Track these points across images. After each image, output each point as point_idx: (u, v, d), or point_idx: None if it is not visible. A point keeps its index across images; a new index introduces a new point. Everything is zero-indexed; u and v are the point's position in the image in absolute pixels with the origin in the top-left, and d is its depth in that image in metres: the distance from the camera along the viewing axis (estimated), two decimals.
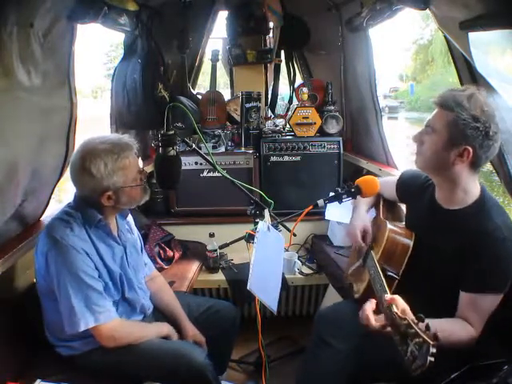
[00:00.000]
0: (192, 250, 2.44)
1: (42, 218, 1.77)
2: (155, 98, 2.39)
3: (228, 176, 1.59)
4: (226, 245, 1.69)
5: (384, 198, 1.67)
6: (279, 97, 3.24)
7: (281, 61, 3.04)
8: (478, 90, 1.21)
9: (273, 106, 3.09)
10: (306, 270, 2.32)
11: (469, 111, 1.16)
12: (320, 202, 1.44)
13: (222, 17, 2.88)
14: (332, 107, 2.64)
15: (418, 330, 0.86)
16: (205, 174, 2.49)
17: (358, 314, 1.14)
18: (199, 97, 2.78)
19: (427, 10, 1.50)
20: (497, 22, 1.17)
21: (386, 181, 1.68)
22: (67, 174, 1.52)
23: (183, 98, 2.55)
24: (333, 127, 2.59)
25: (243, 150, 2.57)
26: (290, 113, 2.91)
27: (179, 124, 2.41)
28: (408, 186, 1.54)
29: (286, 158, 2.53)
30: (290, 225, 1.53)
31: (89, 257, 1.37)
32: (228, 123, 2.77)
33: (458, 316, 1.24)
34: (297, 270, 2.30)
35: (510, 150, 1.44)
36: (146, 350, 1.42)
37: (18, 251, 1.49)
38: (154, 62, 2.44)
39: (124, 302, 1.51)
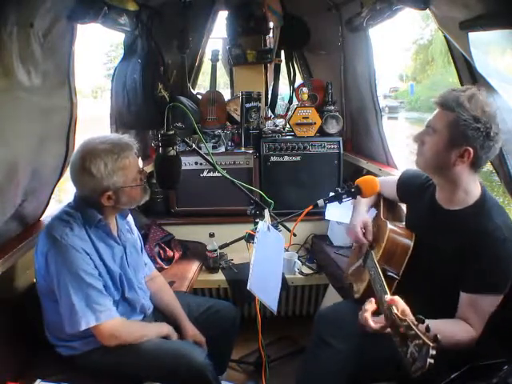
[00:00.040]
0: (192, 250, 2.44)
1: (41, 218, 1.77)
2: (155, 98, 2.39)
3: (228, 176, 1.59)
4: (226, 245, 1.69)
5: (384, 197, 1.67)
6: (279, 97, 3.24)
7: (281, 61, 3.04)
8: (479, 90, 1.21)
9: (273, 106, 3.09)
10: (306, 270, 2.32)
11: (470, 112, 1.16)
12: (320, 202, 1.44)
13: (222, 17, 2.88)
14: (332, 107, 2.64)
15: (418, 332, 0.86)
16: (205, 173, 2.49)
17: (358, 314, 1.14)
18: (199, 97, 2.78)
19: (427, 10, 1.50)
20: (497, 21, 1.17)
21: (387, 180, 1.67)
22: (67, 173, 1.52)
23: (183, 98, 2.55)
24: (333, 127, 2.59)
25: (243, 149, 2.57)
26: (290, 113, 2.91)
27: (179, 124, 2.41)
28: (408, 186, 1.54)
29: (286, 158, 2.53)
30: (290, 225, 1.53)
31: (88, 256, 1.37)
32: (228, 123, 2.77)
33: (458, 317, 1.24)
34: (297, 269, 2.30)
35: (510, 149, 1.44)
36: (146, 349, 1.42)
37: (18, 251, 1.49)
38: (154, 62, 2.44)
39: (124, 302, 1.51)
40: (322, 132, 2.58)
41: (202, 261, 2.35)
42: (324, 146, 2.53)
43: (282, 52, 3.04)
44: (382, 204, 1.65)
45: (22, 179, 1.51)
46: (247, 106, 2.54)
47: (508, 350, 1.23)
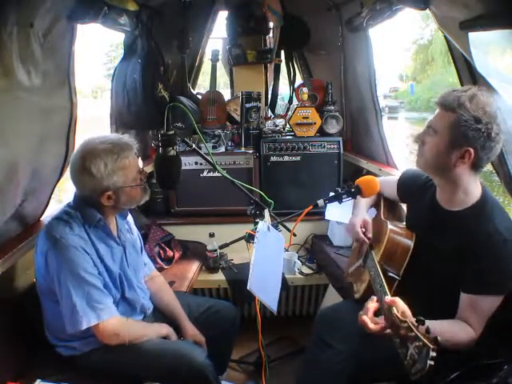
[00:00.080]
0: (192, 250, 2.44)
1: (41, 218, 1.77)
2: (155, 98, 2.39)
3: (228, 176, 1.59)
4: (226, 245, 1.69)
5: (385, 197, 1.67)
6: (279, 97, 3.24)
7: (281, 61, 3.04)
8: (480, 90, 1.20)
9: (273, 106, 3.09)
10: (306, 270, 2.32)
11: (471, 112, 1.15)
12: (320, 202, 1.44)
13: (222, 17, 2.88)
14: (332, 107, 2.64)
15: (418, 334, 0.86)
16: (205, 173, 2.49)
17: (359, 314, 1.14)
18: (199, 97, 2.78)
19: (427, 10, 1.50)
20: (497, 21, 1.17)
21: (387, 180, 1.67)
22: (67, 173, 1.52)
23: (183, 98, 2.55)
24: (333, 127, 2.59)
25: (243, 149, 2.57)
26: (290, 113, 2.91)
27: (179, 124, 2.41)
28: (409, 186, 1.53)
29: (286, 158, 2.53)
30: (290, 225, 1.53)
31: (88, 255, 1.37)
32: (228, 123, 2.77)
33: (458, 317, 1.24)
34: (297, 269, 2.30)
35: (510, 150, 1.43)
36: (146, 350, 1.42)
37: (18, 251, 1.49)
38: (154, 62, 2.44)
39: (124, 302, 1.51)
40: (322, 132, 2.58)
41: (202, 261, 2.35)
42: (324, 146, 2.53)
43: (282, 52, 3.04)
44: (382, 204, 1.65)
45: (22, 179, 1.51)
46: (247, 106, 2.54)
47: (508, 350, 1.23)
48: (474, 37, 1.29)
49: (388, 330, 1.00)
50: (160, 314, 1.68)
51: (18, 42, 1.32)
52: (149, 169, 1.89)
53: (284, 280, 2.19)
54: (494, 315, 1.21)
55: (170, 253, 2.31)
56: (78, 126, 1.78)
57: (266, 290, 1.28)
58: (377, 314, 1.12)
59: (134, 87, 2.36)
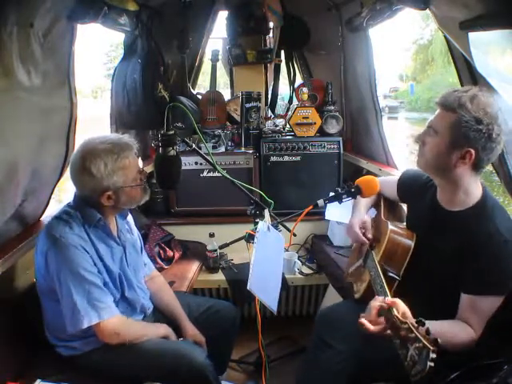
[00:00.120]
0: (192, 250, 2.44)
1: (41, 218, 1.77)
2: (155, 98, 2.39)
3: (228, 176, 1.59)
4: (226, 245, 1.69)
5: (385, 197, 1.67)
6: (279, 97, 3.24)
7: (281, 61, 3.04)
8: (481, 90, 1.20)
9: (273, 106, 3.09)
10: (306, 270, 2.32)
11: (471, 113, 1.14)
12: (320, 202, 1.44)
13: (222, 17, 2.88)
14: (332, 107, 2.64)
15: (418, 335, 0.86)
16: (205, 173, 2.49)
17: (361, 315, 1.13)
18: (199, 97, 2.78)
19: (427, 10, 1.50)
20: (497, 21, 1.17)
21: (387, 180, 1.67)
22: (67, 173, 1.52)
23: (183, 98, 2.55)
24: (333, 127, 2.59)
25: (243, 150, 2.57)
26: (290, 113, 2.91)
27: (179, 124, 2.41)
28: (409, 186, 1.53)
29: (286, 158, 2.53)
30: (290, 225, 1.53)
31: (88, 255, 1.37)
32: (228, 123, 2.77)
33: (459, 318, 1.23)
34: (297, 269, 2.30)
35: (510, 150, 1.43)
36: (146, 349, 1.42)
37: (18, 251, 1.49)
38: (154, 62, 2.44)
39: (124, 302, 1.51)
40: (322, 132, 2.58)
41: (202, 261, 2.35)
42: (324, 146, 2.53)
43: (282, 52, 3.04)
44: (382, 204, 1.65)
45: (22, 179, 1.51)
46: (247, 106, 2.54)
47: (508, 350, 1.23)
48: (474, 37, 1.29)
49: (388, 331, 1.00)
50: (160, 313, 1.68)
51: (18, 42, 1.32)
52: (149, 169, 1.89)
53: (284, 280, 2.19)
54: (494, 315, 1.21)
55: (169, 253, 2.31)
56: (78, 126, 1.78)
57: (266, 290, 1.28)
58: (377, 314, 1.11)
59: (134, 87, 2.36)
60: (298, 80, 3.17)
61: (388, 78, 27.21)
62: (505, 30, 1.19)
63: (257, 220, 1.51)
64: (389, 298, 1.07)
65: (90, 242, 1.40)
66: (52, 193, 1.79)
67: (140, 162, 1.53)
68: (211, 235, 2.27)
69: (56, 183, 1.79)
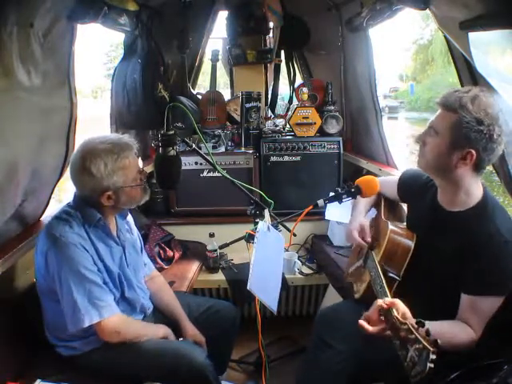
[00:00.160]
0: (192, 250, 2.44)
1: (41, 218, 1.77)
2: (155, 98, 2.39)
3: (228, 176, 1.59)
4: (226, 245, 1.69)
5: (385, 197, 1.67)
6: (279, 97, 3.24)
7: (281, 61, 3.04)
8: (482, 91, 1.19)
9: (273, 105, 3.09)
10: (306, 270, 2.32)
11: (473, 114, 1.14)
12: (320, 202, 1.44)
13: (222, 17, 2.88)
14: (332, 107, 2.64)
15: (418, 336, 0.86)
16: (205, 173, 2.49)
17: (359, 314, 1.13)
18: (199, 97, 2.78)
19: (427, 10, 1.50)
20: (497, 21, 1.17)
21: (387, 180, 1.67)
22: (67, 173, 1.52)
23: (183, 98, 2.55)
24: (333, 127, 2.59)
25: (243, 150, 2.57)
26: (290, 113, 2.91)
27: (179, 124, 2.41)
28: (409, 186, 1.53)
29: (286, 158, 2.53)
30: (290, 225, 1.53)
31: (88, 253, 1.37)
32: (228, 123, 2.77)
33: (459, 318, 1.23)
34: (297, 269, 2.30)
35: (510, 150, 1.43)
36: (146, 349, 1.42)
37: (18, 251, 1.49)
38: (154, 62, 2.44)
39: (124, 302, 1.51)
40: (322, 132, 2.58)
41: (202, 261, 2.35)
42: (324, 146, 2.53)
43: (282, 52, 3.04)
44: (382, 204, 1.65)
45: (22, 179, 1.51)
46: (247, 106, 2.54)
47: (508, 350, 1.23)
48: (474, 37, 1.29)
49: (388, 332, 1.00)
50: (160, 313, 1.68)
51: (18, 42, 1.32)
52: (149, 169, 1.89)
53: (284, 280, 2.19)
54: (494, 316, 1.21)
55: (170, 253, 2.31)
56: (78, 126, 1.78)
57: (266, 290, 1.28)
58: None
59: (134, 87, 2.36)
60: (298, 80, 3.17)
61: (388, 77, 27.25)
62: (505, 29, 1.19)
63: (257, 220, 1.51)
64: (388, 299, 1.07)
65: (90, 241, 1.40)
66: (52, 193, 1.79)
67: (140, 162, 1.53)
68: (211, 235, 2.27)
69: (56, 183, 1.79)
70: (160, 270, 2.08)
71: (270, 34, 2.87)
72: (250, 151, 2.53)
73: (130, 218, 1.65)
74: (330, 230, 2.47)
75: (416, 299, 1.10)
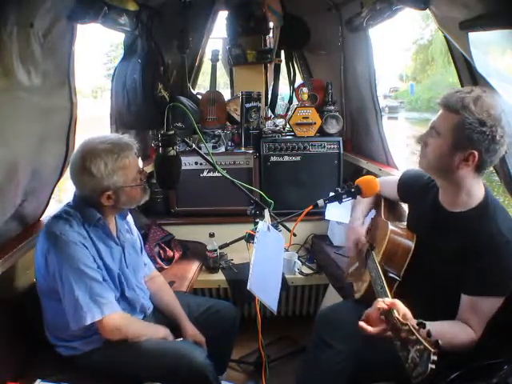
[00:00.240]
0: (192, 250, 2.44)
1: (41, 218, 1.77)
2: (155, 98, 2.39)
3: (228, 176, 1.59)
4: (226, 245, 1.69)
5: (385, 197, 1.67)
6: (279, 97, 3.24)
7: (281, 61, 3.04)
8: (484, 91, 1.18)
9: (273, 105, 3.09)
10: (306, 270, 2.32)
11: (475, 115, 1.13)
12: (320, 202, 1.44)
13: (222, 17, 2.88)
14: (332, 107, 2.64)
15: (419, 337, 0.86)
16: (205, 173, 2.49)
17: (360, 314, 1.13)
18: (199, 97, 2.78)
19: (427, 10, 1.50)
20: (497, 21, 1.17)
21: (387, 180, 1.67)
22: (67, 173, 1.52)
23: (183, 98, 2.55)
24: (333, 127, 2.59)
25: (243, 149, 2.57)
26: (290, 113, 2.91)
27: (179, 124, 2.41)
28: (410, 186, 1.53)
29: (286, 158, 2.53)
30: (290, 225, 1.53)
31: (88, 250, 1.37)
32: (228, 123, 2.77)
33: (459, 318, 1.23)
34: (297, 269, 2.30)
35: (510, 151, 1.43)
36: (146, 349, 1.42)
37: (18, 251, 1.49)
38: (154, 62, 2.44)
39: (124, 301, 1.51)
40: (322, 132, 2.57)
41: (202, 261, 2.35)
42: (324, 146, 2.53)
43: (282, 52, 3.04)
44: (382, 204, 1.65)
45: (22, 179, 1.51)
46: (247, 106, 2.54)
47: (508, 350, 1.23)
48: (474, 37, 1.28)
49: (389, 333, 1.00)
50: (160, 313, 1.68)
51: (18, 42, 1.32)
52: (149, 169, 1.89)
53: (284, 280, 2.19)
54: (494, 316, 1.21)
55: (170, 253, 2.31)
56: (78, 126, 1.78)
57: (266, 290, 1.28)
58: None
59: (134, 87, 2.36)
60: (298, 80, 3.17)
61: (388, 77, 27.25)
62: (505, 29, 1.18)
63: (257, 220, 1.51)
64: (388, 299, 1.07)
65: (90, 239, 1.41)
66: (52, 193, 1.79)
67: (140, 162, 1.53)
68: (211, 235, 2.27)
69: (56, 183, 1.79)
70: (160, 270, 2.08)
71: (270, 34, 2.87)
72: (250, 151, 2.53)
73: (129, 218, 1.65)
74: (330, 230, 2.47)
75: (416, 299, 1.10)
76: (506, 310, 1.21)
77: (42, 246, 1.37)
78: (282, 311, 2.55)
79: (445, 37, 1.52)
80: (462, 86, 1.56)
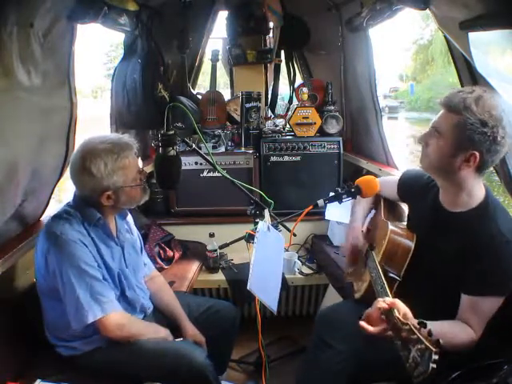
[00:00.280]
0: (192, 250, 2.44)
1: (41, 218, 1.77)
2: (155, 98, 2.39)
3: (228, 176, 1.59)
4: (226, 245, 1.69)
5: (384, 197, 1.67)
6: (279, 97, 3.24)
7: (281, 61, 3.04)
8: (485, 91, 1.18)
9: (273, 105, 3.09)
10: (306, 270, 2.32)
11: (477, 115, 1.13)
12: (320, 202, 1.44)
13: (222, 17, 2.88)
14: (332, 107, 2.64)
15: (421, 336, 0.86)
16: (205, 173, 2.49)
17: (360, 314, 1.13)
18: (199, 97, 2.78)
19: (427, 10, 1.50)
20: (497, 21, 1.17)
21: (387, 180, 1.67)
22: (67, 173, 1.52)
23: (183, 98, 2.55)
24: (333, 127, 2.59)
25: (243, 150, 2.57)
26: (290, 113, 2.91)
27: (179, 124, 2.41)
28: (410, 186, 1.52)
29: (286, 158, 2.53)
30: (290, 225, 1.53)
31: (87, 249, 1.37)
32: (228, 123, 2.77)
33: (459, 318, 1.23)
34: (297, 269, 2.30)
35: (511, 151, 1.43)
36: (146, 349, 1.42)
37: (18, 251, 1.49)
38: (154, 62, 2.44)
39: (124, 301, 1.51)
40: (322, 132, 2.57)
41: (202, 261, 2.35)
42: (324, 146, 2.53)
43: (282, 52, 3.04)
44: (382, 204, 1.65)
45: (22, 179, 1.51)
46: (247, 106, 2.54)
47: (508, 350, 1.23)
48: (474, 37, 1.28)
49: (389, 332, 1.00)
50: (160, 313, 1.68)
51: (18, 42, 1.32)
52: (149, 169, 1.89)
53: (284, 280, 2.19)
54: (494, 316, 1.21)
55: (170, 253, 2.31)
56: (78, 126, 1.78)
57: (266, 290, 1.28)
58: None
59: (134, 87, 2.36)
60: (298, 80, 3.17)
61: (388, 77, 27.24)
62: (505, 30, 1.18)
63: (257, 220, 1.51)
64: (389, 299, 1.07)
65: (90, 238, 1.41)
66: (52, 193, 1.79)
67: (140, 162, 1.53)
68: (211, 235, 2.27)
69: (56, 183, 1.79)
70: (160, 270, 2.08)
71: (270, 34, 2.87)
72: (250, 151, 2.53)
73: (129, 218, 1.65)
74: (330, 230, 2.47)
75: (417, 299, 1.10)
76: (505, 310, 1.21)
77: (41, 245, 1.37)
78: (282, 311, 2.55)
79: (445, 37, 1.52)
80: (462, 85, 1.56)
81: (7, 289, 1.52)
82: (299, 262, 2.34)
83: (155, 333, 1.50)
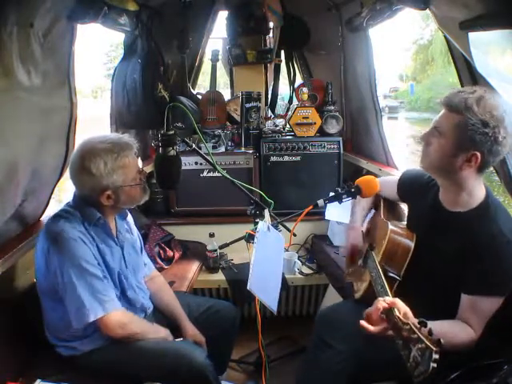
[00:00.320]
0: (192, 250, 2.44)
1: (42, 218, 1.77)
2: (155, 98, 2.39)
3: (228, 176, 1.59)
4: (226, 245, 1.69)
5: (384, 198, 1.67)
6: (279, 97, 3.24)
7: (281, 61, 3.04)
8: (486, 92, 1.18)
9: (273, 106, 3.09)
10: (306, 270, 2.32)
11: (478, 116, 1.12)
12: (320, 202, 1.44)
13: (222, 17, 2.88)
14: (332, 107, 2.64)
15: (421, 336, 0.86)
16: (205, 173, 2.49)
17: (360, 314, 1.13)
18: (199, 97, 2.78)
19: (427, 10, 1.50)
20: (497, 21, 1.17)
21: (387, 180, 1.67)
22: (67, 173, 1.52)
23: (183, 98, 2.55)
24: (333, 127, 2.59)
25: (243, 150, 2.57)
26: (290, 113, 2.91)
27: (179, 124, 2.41)
28: (410, 186, 1.53)
29: (286, 158, 2.53)
30: (290, 225, 1.53)
31: (87, 247, 1.37)
32: (228, 123, 2.77)
33: (459, 318, 1.23)
34: (297, 269, 2.30)
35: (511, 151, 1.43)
36: (146, 349, 1.42)
37: (18, 251, 1.49)
38: (154, 62, 2.44)
39: (124, 301, 1.51)
40: (322, 132, 2.58)
41: (202, 261, 2.35)
42: (324, 146, 2.53)
43: (282, 52, 3.04)
44: (382, 204, 1.65)
45: (22, 179, 1.51)
46: (247, 106, 2.54)
47: (508, 350, 1.23)
48: (474, 37, 1.28)
49: (390, 332, 1.00)
50: (160, 313, 1.68)
51: (18, 42, 1.32)
52: (149, 169, 1.89)
53: (284, 280, 2.19)
54: (494, 316, 1.21)
55: (170, 253, 2.31)
56: (78, 126, 1.78)
57: (266, 290, 1.28)
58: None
59: (134, 87, 2.36)
60: (298, 80, 3.17)
61: (388, 77, 27.24)
62: (505, 29, 1.18)
63: (257, 220, 1.51)
64: (389, 298, 1.07)
65: (91, 237, 1.41)
66: (52, 193, 1.79)
67: (140, 162, 1.53)
68: (211, 235, 2.27)
69: (56, 183, 1.79)
70: (160, 270, 2.08)
71: (270, 34, 2.87)
72: (250, 151, 2.53)
73: (129, 218, 1.65)
74: (330, 230, 2.47)
75: (417, 299, 1.10)
76: (505, 310, 1.21)
77: (42, 245, 1.37)
78: (282, 311, 2.55)
79: (445, 37, 1.52)
80: (462, 85, 1.56)
81: (7, 289, 1.52)
82: (299, 262, 2.34)
83: (155, 333, 1.50)
